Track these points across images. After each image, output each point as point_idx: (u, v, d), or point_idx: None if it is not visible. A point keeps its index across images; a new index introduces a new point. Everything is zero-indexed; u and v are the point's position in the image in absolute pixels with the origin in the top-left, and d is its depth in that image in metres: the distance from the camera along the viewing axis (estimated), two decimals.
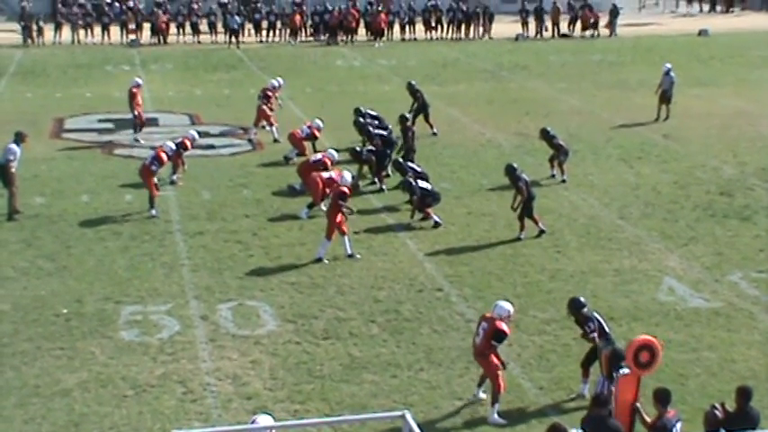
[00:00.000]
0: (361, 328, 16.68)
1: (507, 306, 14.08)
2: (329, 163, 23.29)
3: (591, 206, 23.38)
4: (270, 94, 29.86)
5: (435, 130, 30.07)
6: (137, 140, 28.75)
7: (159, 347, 15.89)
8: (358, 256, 19.82)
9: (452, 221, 22.13)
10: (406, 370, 15.23)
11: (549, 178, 25.16)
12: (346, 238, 19.87)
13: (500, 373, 13.91)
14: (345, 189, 20.10)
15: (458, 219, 22.37)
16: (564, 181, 24.98)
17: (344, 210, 19.83)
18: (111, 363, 15.35)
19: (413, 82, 31.26)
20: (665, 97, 32.45)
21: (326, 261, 19.52)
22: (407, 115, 27.21)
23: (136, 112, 29.24)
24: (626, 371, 12.40)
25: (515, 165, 21.67)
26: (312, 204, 22.25)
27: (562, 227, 21.84)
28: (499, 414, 13.87)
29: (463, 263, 19.71)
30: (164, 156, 22.85)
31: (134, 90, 29.37)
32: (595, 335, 14.02)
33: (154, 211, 22.14)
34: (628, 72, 42.38)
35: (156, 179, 22.64)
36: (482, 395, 14.37)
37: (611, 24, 55.21)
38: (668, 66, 32.81)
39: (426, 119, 30.11)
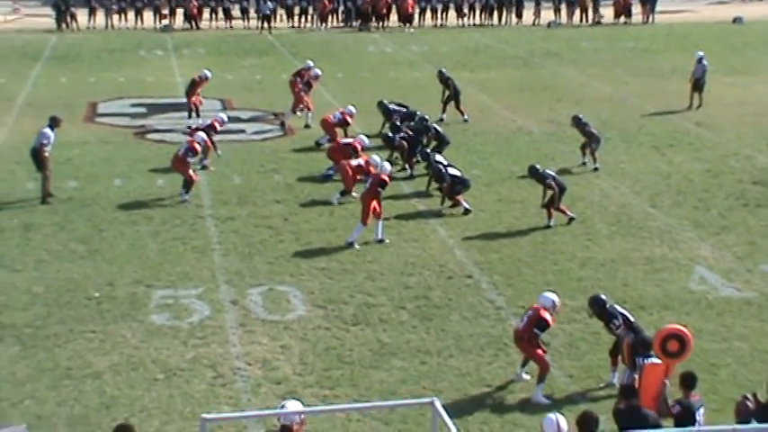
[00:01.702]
0: (391, 314, 16.70)
1: (552, 296, 14.23)
2: (359, 148, 23.32)
3: (622, 194, 23.27)
4: (312, 83, 30.08)
5: (467, 117, 30.01)
6: (189, 127, 28.39)
7: (190, 331, 15.98)
8: (387, 241, 19.84)
9: (483, 208, 22.09)
10: (436, 356, 15.23)
11: (581, 166, 25.06)
12: (380, 222, 19.90)
13: (542, 354, 14.04)
14: (386, 177, 20.13)
15: (488, 206, 22.33)
16: (596, 169, 24.87)
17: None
18: (142, 346, 15.45)
19: (443, 70, 31.18)
20: (698, 85, 32.21)
21: (357, 246, 19.55)
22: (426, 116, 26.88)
23: (192, 99, 29.35)
24: (654, 360, 12.35)
25: (537, 165, 21.53)
26: (345, 192, 22.28)
27: (593, 215, 21.76)
28: (544, 395, 13.98)
29: (493, 250, 19.68)
30: (197, 146, 22.92)
31: (196, 80, 29.64)
32: (621, 330, 13.96)
33: (187, 196, 22.21)
34: (661, 59, 42.10)
35: (191, 168, 22.70)
36: (525, 376, 14.45)
37: (649, 11, 54.84)
38: (701, 53, 32.56)
39: (457, 106, 30.05)
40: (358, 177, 22.17)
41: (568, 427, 10.60)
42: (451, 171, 22.15)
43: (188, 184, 22.38)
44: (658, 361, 12.23)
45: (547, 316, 13.99)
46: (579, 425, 10.50)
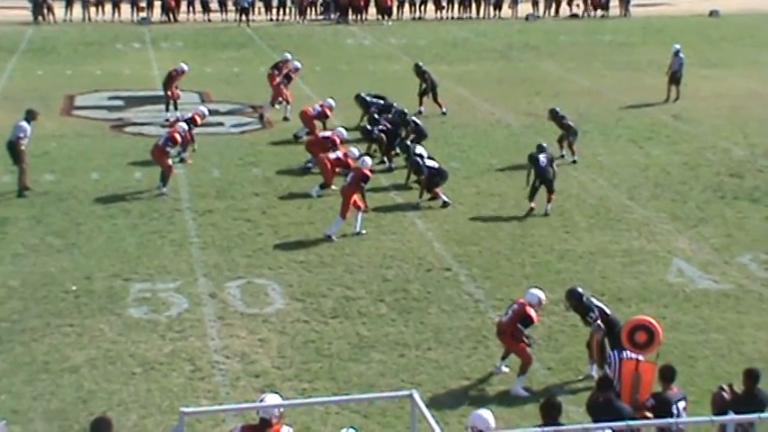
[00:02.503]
0: (370, 307, 16.69)
1: (539, 293, 14.30)
2: (338, 141, 23.30)
3: (600, 187, 23.34)
4: (292, 75, 30.12)
5: (444, 110, 30.01)
6: (167, 120, 28.33)
7: (168, 325, 15.93)
8: (364, 232, 19.83)
9: (461, 201, 22.11)
10: (414, 349, 15.24)
11: (559, 158, 25.09)
12: (360, 214, 19.89)
13: (525, 347, 14.11)
14: (367, 171, 20.14)
15: (467, 198, 22.35)
16: (575, 161, 24.93)
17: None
18: (119, 340, 15.39)
19: (420, 63, 31.16)
20: (675, 78, 32.34)
21: (335, 239, 19.53)
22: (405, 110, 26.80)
23: (170, 92, 29.24)
24: (630, 354, 12.31)
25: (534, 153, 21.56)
26: (324, 185, 22.24)
27: (571, 207, 21.81)
28: (523, 387, 14.04)
29: (472, 243, 19.70)
30: (177, 136, 22.85)
31: (173, 73, 29.51)
32: (599, 323, 14.01)
33: (165, 189, 22.14)
34: (638, 53, 42.24)
35: (170, 160, 22.63)
36: (504, 369, 14.50)
37: (625, 4, 54.99)
38: (677, 46, 32.70)
39: (435, 99, 30.05)
40: (337, 170, 22.15)
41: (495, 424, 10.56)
42: (430, 163, 22.15)
43: (165, 176, 22.30)
44: (634, 355, 12.18)
45: (532, 312, 14.08)
46: (543, 410, 10.50)
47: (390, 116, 25.81)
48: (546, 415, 10.41)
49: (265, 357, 14.94)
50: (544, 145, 22.07)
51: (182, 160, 24.32)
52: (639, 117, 30.32)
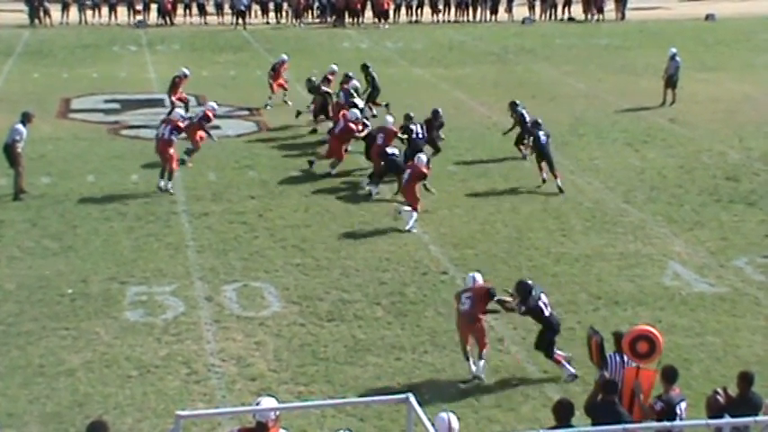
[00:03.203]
0: (366, 310, 16.69)
1: (478, 276, 14.89)
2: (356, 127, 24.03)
3: (596, 190, 23.36)
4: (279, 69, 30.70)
5: (375, 113, 29.49)
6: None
7: (164, 328, 15.92)
8: (414, 230, 20.33)
9: (458, 204, 22.12)
10: (411, 353, 15.24)
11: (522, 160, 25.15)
12: (414, 213, 20.54)
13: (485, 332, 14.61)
14: (424, 169, 21.04)
15: (463, 202, 22.36)
16: (524, 158, 25.18)
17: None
18: (115, 343, 15.38)
19: (368, 64, 31.21)
20: (671, 82, 32.36)
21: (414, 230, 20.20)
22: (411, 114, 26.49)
23: (174, 98, 29.30)
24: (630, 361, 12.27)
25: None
26: (373, 175, 22.93)
27: (567, 210, 21.82)
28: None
29: (468, 246, 19.71)
30: (180, 124, 23.08)
31: (176, 80, 29.58)
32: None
33: (170, 185, 22.36)
34: (634, 56, 42.27)
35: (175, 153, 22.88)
36: (481, 363, 14.54)
37: (621, 8, 55.01)
38: (674, 50, 32.71)
39: (373, 100, 30.05)
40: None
41: (459, 425, 10.55)
42: (390, 150, 22.62)
43: (171, 171, 22.42)
44: (635, 363, 12.13)
45: (488, 286, 14.72)
46: (555, 413, 10.52)
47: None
48: (559, 417, 10.43)
49: (261, 360, 14.94)
50: (540, 121, 23.27)
51: (182, 162, 24.18)
52: (635, 120, 30.35)
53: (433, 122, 25.13)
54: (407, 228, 20.31)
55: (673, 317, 16.56)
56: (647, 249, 19.64)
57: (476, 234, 20.39)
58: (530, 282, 14.76)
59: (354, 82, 28.68)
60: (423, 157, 21.53)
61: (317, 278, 18.00)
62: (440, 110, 25.72)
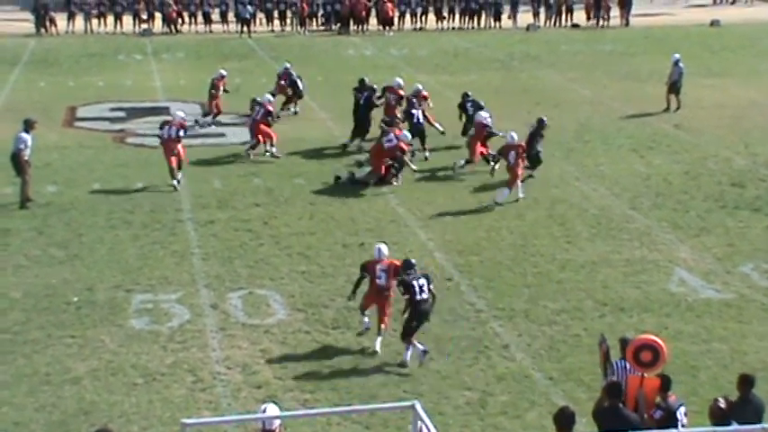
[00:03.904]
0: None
1: (383, 248, 15.75)
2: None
3: (601, 196, 23.34)
4: (217, 83, 30.24)
5: (294, 111, 31.06)
6: (207, 124, 29.70)
7: (169, 336, 15.92)
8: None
9: (463, 211, 22.11)
10: (416, 360, 15.22)
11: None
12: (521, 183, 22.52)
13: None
14: (523, 144, 23.21)
15: (469, 208, 22.34)
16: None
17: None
18: (121, 351, 15.39)
19: (288, 65, 31.79)
20: (674, 88, 32.29)
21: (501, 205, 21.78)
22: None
23: (214, 102, 29.64)
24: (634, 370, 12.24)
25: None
26: (468, 161, 24.69)
27: (573, 217, 21.81)
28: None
29: (473, 252, 19.69)
30: (185, 123, 23.90)
31: (216, 81, 29.83)
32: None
33: (175, 181, 23.14)
34: (639, 62, 42.25)
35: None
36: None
37: (625, 14, 55.01)
38: (677, 56, 32.65)
39: (294, 101, 31.00)
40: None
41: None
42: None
43: (174, 170, 23.18)
44: (639, 372, 12.10)
45: (396, 262, 15.42)
46: (556, 421, 10.50)
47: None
48: (560, 425, 10.41)
49: (267, 368, 14.93)
50: (544, 120, 24.41)
51: (272, 154, 25.51)
52: (641, 126, 30.33)
53: (537, 132, 24.71)
54: (496, 200, 22.30)
55: (679, 323, 16.53)
56: (653, 256, 19.62)
57: (481, 241, 20.38)
58: (413, 261, 15.48)
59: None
60: (483, 113, 25.07)
61: (322, 285, 18.00)
62: (545, 118, 25.17)
